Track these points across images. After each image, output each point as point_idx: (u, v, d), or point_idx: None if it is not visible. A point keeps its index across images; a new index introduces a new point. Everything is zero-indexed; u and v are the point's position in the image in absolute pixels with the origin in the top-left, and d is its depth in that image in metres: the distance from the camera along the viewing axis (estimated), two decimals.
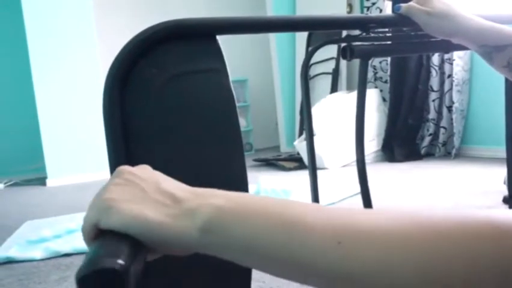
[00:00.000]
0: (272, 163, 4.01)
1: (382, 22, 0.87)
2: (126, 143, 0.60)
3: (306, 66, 1.08)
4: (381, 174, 3.11)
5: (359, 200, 1.17)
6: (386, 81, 3.96)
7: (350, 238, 0.31)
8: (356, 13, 4.16)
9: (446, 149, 3.58)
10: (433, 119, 3.61)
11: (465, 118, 3.51)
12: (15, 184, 4.29)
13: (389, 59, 3.80)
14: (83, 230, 0.37)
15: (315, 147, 1.10)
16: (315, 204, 0.36)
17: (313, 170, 1.10)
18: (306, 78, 1.09)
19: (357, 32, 0.89)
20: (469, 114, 3.52)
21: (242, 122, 5.24)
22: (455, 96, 3.39)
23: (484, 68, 2.97)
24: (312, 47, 1.03)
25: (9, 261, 1.82)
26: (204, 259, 0.39)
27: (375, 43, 0.93)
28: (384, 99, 3.93)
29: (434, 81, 3.56)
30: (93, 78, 4.07)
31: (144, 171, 0.41)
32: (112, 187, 0.38)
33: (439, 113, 3.59)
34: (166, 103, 0.62)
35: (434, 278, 0.28)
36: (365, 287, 0.30)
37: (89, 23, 4.12)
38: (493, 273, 0.27)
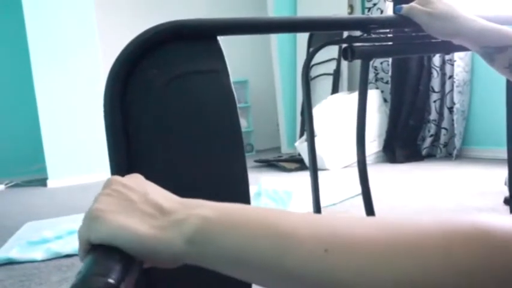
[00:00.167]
0: (273, 164, 4.01)
1: (383, 23, 0.87)
2: (127, 144, 0.60)
3: (307, 67, 1.08)
4: (382, 175, 3.11)
5: (360, 201, 1.17)
6: (387, 82, 3.96)
7: (337, 247, 0.30)
8: (357, 14, 4.16)
9: (447, 150, 3.58)
10: (434, 120, 3.61)
11: (466, 119, 3.51)
12: (16, 185, 4.29)
13: (390, 59, 3.80)
14: (78, 244, 0.38)
15: (316, 148, 1.10)
16: (303, 213, 0.35)
17: (314, 171, 1.10)
18: (307, 79, 1.09)
19: (358, 33, 0.89)
20: (470, 115, 3.51)
21: (243, 123, 5.23)
22: (456, 97, 3.39)
23: (485, 69, 2.96)
24: (313, 48, 1.03)
25: (10, 262, 1.82)
26: None
27: (376, 44, 0.93)
28: (385, 100, 3.92)
29: (435, 82, 3.56)
30: (94, 79, 4.07)
31: (134, 180, 0.41)
32: (101, 197, 0.38)
33: (440, 114, 3.58)
34: (167, 104, 0.62)
35: (421, 287, 0.27)
36: None
37: (90, 23, 4.11)
38: (483, 281, 0.26)
